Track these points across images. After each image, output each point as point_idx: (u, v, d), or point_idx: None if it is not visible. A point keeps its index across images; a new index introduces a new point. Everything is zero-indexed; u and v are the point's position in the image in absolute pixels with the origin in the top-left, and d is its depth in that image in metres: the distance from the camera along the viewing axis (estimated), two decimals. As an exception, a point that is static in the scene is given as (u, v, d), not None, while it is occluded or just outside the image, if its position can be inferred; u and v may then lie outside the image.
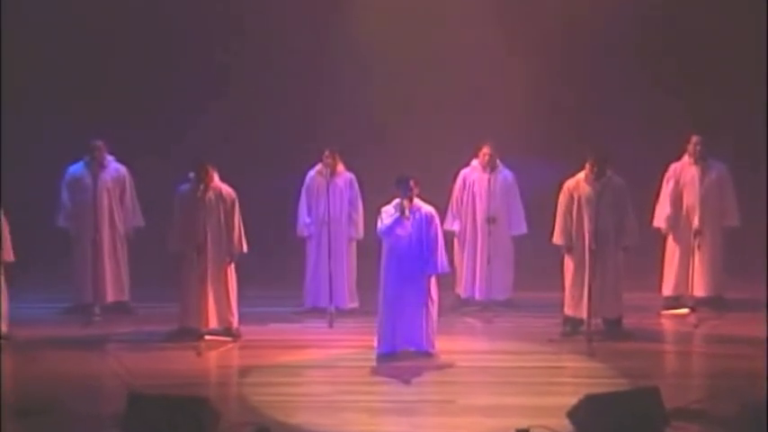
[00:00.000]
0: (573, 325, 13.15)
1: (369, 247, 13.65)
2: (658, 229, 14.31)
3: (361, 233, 14.21)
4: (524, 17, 15.93)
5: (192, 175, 13.11)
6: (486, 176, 14.27)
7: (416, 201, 12.37)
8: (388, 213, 12.33)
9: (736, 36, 15.54)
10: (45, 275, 14.89)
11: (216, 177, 13.17)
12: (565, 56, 15.92)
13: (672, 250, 14.31)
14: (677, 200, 14.22)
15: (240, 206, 13.17)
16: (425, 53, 15.99)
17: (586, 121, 15.78)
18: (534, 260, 14.35)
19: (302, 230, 14.29)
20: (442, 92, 16.01)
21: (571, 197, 13.12)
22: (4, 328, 12.86)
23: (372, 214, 12.75)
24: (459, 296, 14.47)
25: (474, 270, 14.34)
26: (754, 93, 15.56)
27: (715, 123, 14.99)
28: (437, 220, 12.49)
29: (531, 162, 14.76)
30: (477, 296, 14.31)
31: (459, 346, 12.82)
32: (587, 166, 13.09)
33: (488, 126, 14.93)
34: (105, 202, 14.03)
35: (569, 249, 13.16)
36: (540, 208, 14.11)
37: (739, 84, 15.69)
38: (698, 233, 13.96)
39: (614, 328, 13.16)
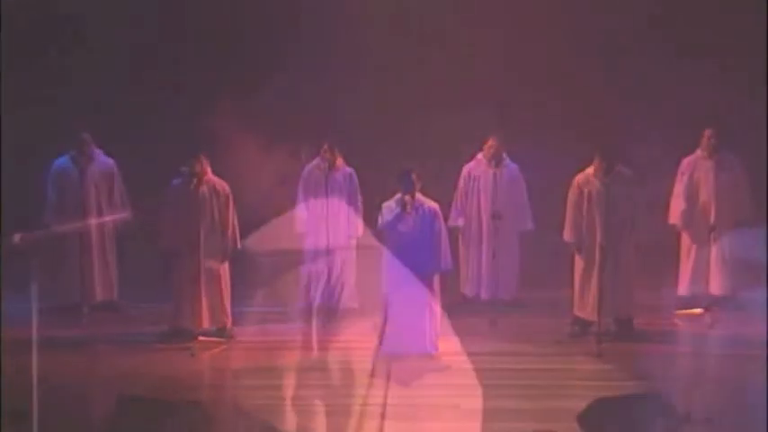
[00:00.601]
0: (582, 325, 13.07)
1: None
2: (673, 226, 14.19)
3: (360, 230, 14.03)
4: (531, 12, 15.88)
5: (184, 168, 12.97)
6: (491, 171, 14.26)
7: (419, 196, 12.26)
8: (389, 209, 12.22)
9: (740, 32, 15.43)
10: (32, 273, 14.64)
11: (209, 171, 13.04)
12: (573, 49, 15.89)
13: (687, 247, 14.20)
14: (692, 195, 14.10)
15: (234, 201, 13.06)
16: (428, 48, 15.95)
17: (595, 115, 15.68)
18: (541, 257, 14.33)
19: (299, 226, 14.05)
20: (444, 87, 15.90)
21: (581, 193, 13.06)
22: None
23: (373, 211, 12.66)
24: (464, 295, 14.37)
25: (479, 268, 14.29)
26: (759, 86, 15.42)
27: (725, 117, 14.83)
28: (441, 216, 12.40)
29: (537, 156, 14.64)
30: (483, 296, 14.25)
31: (462, 346, 12.63)
32: (596, 160, 13.02)
33: (494, 119, 14.91)
34: (93, 196, 13.97)
35: (579, 246, 13.05)
36: (547, 203, 14.02)
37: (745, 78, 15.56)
38: (713, 229, 13.86)
39: (625, 329, 13.06)
